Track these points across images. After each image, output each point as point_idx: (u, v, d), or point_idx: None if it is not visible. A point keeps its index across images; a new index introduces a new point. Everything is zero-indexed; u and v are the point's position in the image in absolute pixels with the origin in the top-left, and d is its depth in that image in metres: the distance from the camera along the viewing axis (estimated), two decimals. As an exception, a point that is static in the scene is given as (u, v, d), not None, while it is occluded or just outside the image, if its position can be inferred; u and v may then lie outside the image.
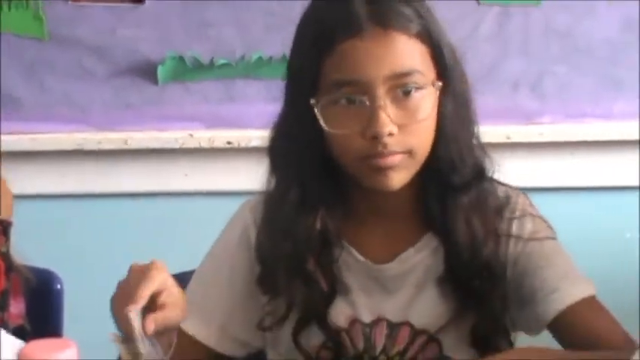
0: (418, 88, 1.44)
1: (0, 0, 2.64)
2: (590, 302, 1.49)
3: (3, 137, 2.65)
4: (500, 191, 1.57)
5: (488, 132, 2.54)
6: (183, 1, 2.65)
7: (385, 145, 1.42)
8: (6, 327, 1.64)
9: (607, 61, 2.72)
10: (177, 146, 2.71)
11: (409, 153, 1.45)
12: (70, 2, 2.66)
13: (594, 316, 1.48)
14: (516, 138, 2.72)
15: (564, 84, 2.73)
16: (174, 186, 2.75)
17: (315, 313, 1.55)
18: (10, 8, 2.65)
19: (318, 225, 1.53)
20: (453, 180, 1.50)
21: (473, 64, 2.58)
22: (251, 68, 2.66)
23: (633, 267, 2.72)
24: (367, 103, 1.42)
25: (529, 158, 2.74)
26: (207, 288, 1.61)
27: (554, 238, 1.56)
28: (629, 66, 2.72)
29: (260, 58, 2.63)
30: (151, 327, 1.30)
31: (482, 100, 2.61)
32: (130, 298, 1.32)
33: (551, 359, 1.40)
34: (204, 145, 2.70)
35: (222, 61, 2.67)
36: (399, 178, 1.46)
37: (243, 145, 2.62)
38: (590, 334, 1.45)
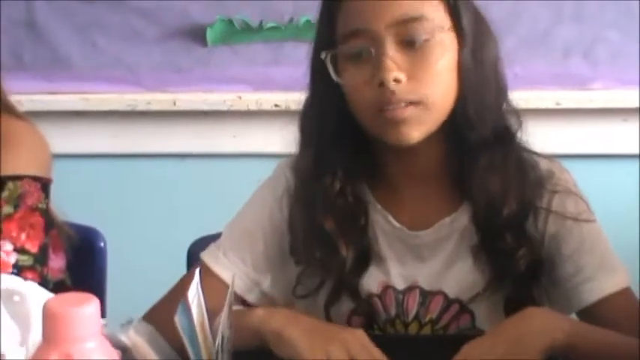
0: (427, 36, 1.43)
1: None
2: (622, 296, 1.50)
3: (54, 97, 2.67)
4: (544, 164, 1.56)
5: (538, 97, 2.60)
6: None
7: (393, 93, 1.42)
8: (46, 281, 1.66)
9: (661, 27, 2.68)
10: (225, 108, 2.71)
11: (421, 104, 1.44)
12: (120, -36, 2.67)
13: (623, 310, 1.48)
14: (567, 104, 2.70)
15: (617, 50, 2.70)
16: (223, 148, 2.76)
17: (347, 282, 1.54)
18: (62, -30, 2.66)
19: (336, 186, 1.52)
20: (470, 136, 1.49)
21: (525, 30, 2.63)
22: (299, 31, 2.65)
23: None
24: (372, 50, 1.43)
25: (580, 124, 2.72)
26: (244, 236, 1.60)
27: (594, 221, 1.54)
28: (685, 32, 2.67)
29: (308, 21, 2.62)
30: None
31: (533, 66, 2.64)
32: None
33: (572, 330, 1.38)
34: (252, 107, 2.71)
35: (270, 24, 2.67)
36: (412, 131, 1.45)
37: (290, 107, 2.61)
38: (616, 328, 1.43)
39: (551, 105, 2.67)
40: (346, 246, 1.52)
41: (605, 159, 2.74)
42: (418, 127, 1.45)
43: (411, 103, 1.43)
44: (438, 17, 1.45)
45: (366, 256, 1.54)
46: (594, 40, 2.69)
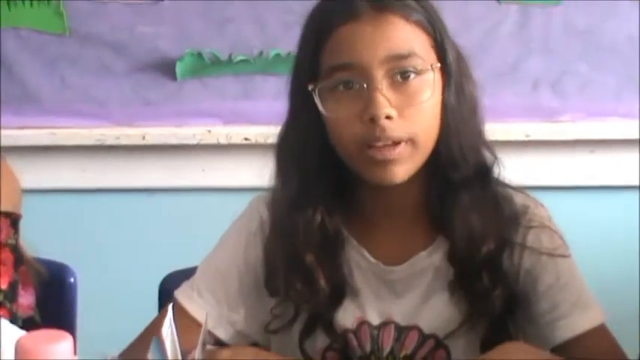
0: (417, 73, 1.43)
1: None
2: (597, 333, 1.50)
3: (23, 131, 2.66)
4: (519, 199, 1.55)
5: (508, 129, 2.61)
6: (202, -3, 2.67)
7: (383, 129, 1.41)
8: (15, 318, 1.64)
9: (629, 59, 2.71)
10: (194, 142, 2.71)
11: (411, 141, 1.43)
12: (90, -2, 2.67)
13: (598, 347, 1.48)
14: (536, 136, 2.71)
15: (585, 82, 2.72)
16: (192, 181, 2.76)
17: (322, 316, 1.53)
18: (32, 4, 2.66)
19: (317, 219, 1.51)
20: (453, 176, 1.49)
21: (494, 62, 2.66)
22: (269, 65, 2.66)
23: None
24: (365, 85, 1.41)
25: (549, 156, 2.73)
26: (218, 275, 1.58)
27: (569, 256, 1.54)
28: (652, 65, 2.70)
29: (278, 54, 2.63)
30: None
31: (503, 98, 2.66)
32: None
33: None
34: (222, 141, 2.71)
35: (240, 57, 2.67)
36: (399, 171, 1.44)
37: (260, 141, 2.62)
38: None
39: (520, 137, 2.68)
40: (324, 279, 1.51)
41: (574, 191, 2.75)
42: (405, 167, 1.44)
43: (400, 140, 1.42)
44: (426, 55, 1.45)
45: (341, 291, 1.53)
46: (562, 73, 2.71)
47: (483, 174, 1.52)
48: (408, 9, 1.45)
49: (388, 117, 1.41)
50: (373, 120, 1.41)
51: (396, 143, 1.42)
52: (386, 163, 1.43)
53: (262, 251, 1.57)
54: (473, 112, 1.51)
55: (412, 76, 1.43)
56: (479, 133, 1.52)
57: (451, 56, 1.48)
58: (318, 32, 1.46)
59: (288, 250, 1.52)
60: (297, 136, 1.51)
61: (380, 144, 1.42)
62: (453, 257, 1.51)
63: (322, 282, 1.51)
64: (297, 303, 1.53)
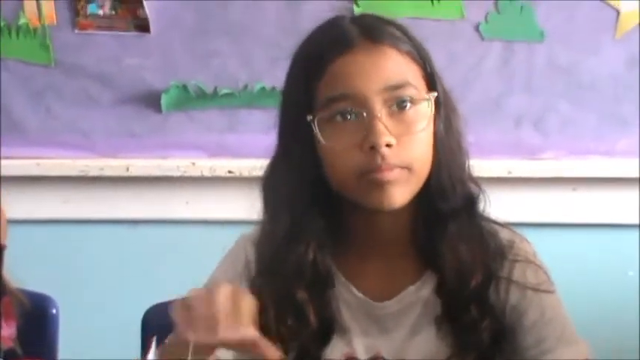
0: (413, 103, 1.44)
1: (9, 27, 2.66)
2: None
3: (7, 162, 2.66)
4: (504, 234, 1.55)
5: (490, 166, 2.62)
6: (188, 31, 2.67)
7: (384, 157, 1.41)
8: (-4, 349, 1.64)
9: (611, 98, 2.72)
10: (178, 174, 2.71)
11: (408, 168, 1.43)
12: (76, 31, 2.67)
13: None
14: (518, 173, 2.72)
15: (567, 120, 2.73)
16: (175, 214, 2.76)
17: (310, 353, 1.52)
18: (18, 35, 2.66)
19: (310, 256, 1.50)
20: (442, 206, 1.49)
21: (476, 99, 2.67)
22: (254, 98, 2.67)
23: (634, 305, 2.72)
24: (364, 114, 1.42)
25: (530, 193, 2.74)
26: None
27: (554, 292, 1.54)
28: (634, 103, 2.71)
29: (263, 88, 2.64)
30: None
31: (485, 135, 2.67)
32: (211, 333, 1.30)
33: None
34: (206, 173, 2.71)
35: (225, 91, 2.68)
36: (398, 194, 1.44)
37: (244, 174, 2.63)
38: None
39: (502, 174, 2.69)
40: (315, 316, 1.51)
41: (555, 228, 2.76)
42: (403, 191, 1.44)
43: (398, 167, 1.43)
44: (419, 85, 1.46)
45: (330, 328, 1.53)
46: (545, 110, 2.73)
47: (470, 205, 1.52)
48: (399, 40, 1.47)
49: (388, 145, 1.41)
50: (374, 148, 1.41)
51: (395, 167, 1.43)
52: (384, 185, 1.42)
53: (250, 290, 1.56)
54: (459, 144, 1.52)
55: (408, 105, 1.44)
56: (465, 165, 1.53)
57: (440, 87, 1.49)
58: (312, 65, 1.46)
59: (279, 286, 1.51)
60: (289, 170, 1.50)
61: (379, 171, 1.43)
62: (441, 290, 1.51)
63: (313, 319, 1.51)
64: (286, 340, 1.52)
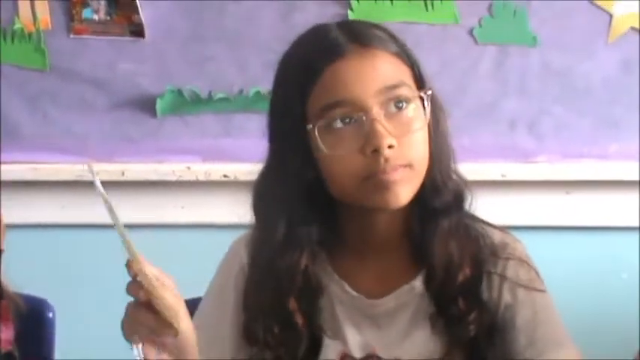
0: (408, 102, 1.46)
1: (4, 32, 2.67)
2: None
3: (4, 167, 2.67)
4: (497, 235, 1.57)
5: (484, 169, 2.63)
6: (183, 36, 2.68)
7: (387, 159, 1.42)
8: (-6, 353, 1.65)
9: (604, 101, 2.73)
10: (174, 179, 2.72)
11: (410, 167, 1.45)
12: (71, 35, 2.68)
13: None
14: (512, 176, 2.73)
15: (561, 124, 2.73)
16: (171, 218, 2.76)
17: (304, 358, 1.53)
18: (13, 40, 2.67)
19: (302, 264, 1.51)
20: (435, 202, 1.51)
21: (471, 102, 2.68)
22: (249, 103, 2.68)
23: (630, 309, 2.72)
24: (363, 118, 1.43)
25: (524, 196, 2.75)
26: (209, 330, 1.55)
27: (545, 292, 1.55)
28: (627, 107, 2.72)
29: (258, 92, 2.65)
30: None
31: (479, 138, 2.68)
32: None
33: None
34: (201, 178, 2.72)
35: (220, 95, 2.69)
36: (404, 192, 1.45)
37: (240, 178, 2.63)
38: None
39: (496, 177, 2.70)
40: (304, 325, 1.52)
41: (549, 231, 2.77)
42: (407, 189, 1.46)
43: (401, 167, 1.44)
44: (411, 84, 1.48)
45: (319, 338, 1.54)
46: (539, 114, 2.73)
47: (459, 201, 1.54)
48: (387, 42, 1.48)
49: (390, 146, 1.42)
50: (376, 151, 1.42)
51: (398, 167, 1.44)
52: (390, 185, 1.43)
53: (243, 295, 1.57)
54: (447, 142, 1.54)
55: (404, 105, 1.45)
56: (453, 165, 1.55)
57: (428, 87, 1.51)
58: (304, 75, 1.46)
59: (269, 294, 1.52)
60: (284, 178, 1.50)
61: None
62: (430, 283, 1.52)
63: (301, 328, 1.52)
64: (275, 349, 1.53)
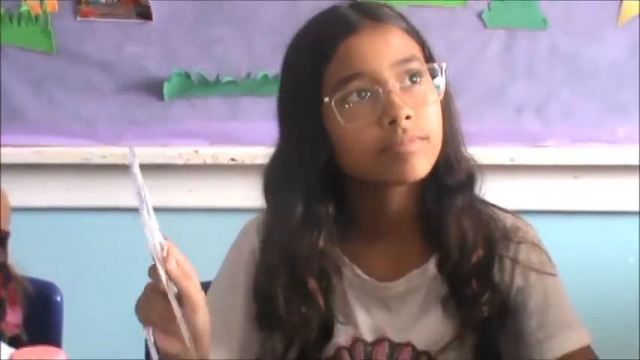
0: (421, 76, 1.46)
1: (10, 14, 2.66)
2: (583, 352, 1.52)
3: (9, 149, 2.67)
4: (509, 219, 1.57)
5: (492, 154, 2.62)
6: (190, 19, 2.67)
7: (405, 130, 1.42)
8: (2, 336, 1.65)
9: (612, 85, 2.72)
10: (181, 162, 2.72)
11: (427, 139, 1.45)
12: (78, 18, 2.67)
13: None
14: (520, 160, 2.73)
15: (569, 108, 2.73)
16: (178, 202, 2.76)
17: (316, 341, 1.53)
18: (19, 23, 2.66)
19: (320, 244, 1.51)
20: (449, 181, 1.51)
21: (479, 87, 2.67)
22: (256, 86, 2.67)
23: (635, 292, 2.72)
24: (380, 91, 1.43)
25: (532, 181, 2.75)
26: (220, 314, 1.51)
27: (556, 275, 1.56)
28: (635, 91, 2.71)
29: (265, 76, 2.65)
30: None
31: (487, 122, 2.67)
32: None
33: None
34: (209, 161, 2.72)
35: (227, 79, 2.69)
36: (421, 164, 1.45)
37: (247, 162, 2.63)
38: None
39: (505, 161, 2.70)
40: (324, 305, 1.52)
41: (557, 215, 2.77)
42: (424, 162, 1.45)
43: (418, 138, 1.44)
44: (422, 59, 1.49)
45: (332, 321, 1.54)
46: (547, 98, 2.73)
47: (471, 181, 1.54)
48: (397, 19, 1.50)
49: (408, 117, 1.42)
50: (394, 122, 1.42)
51: (415, 139, 1.44)
52: (407, 157, 1.43)
53: (253, 279, 1.57)
54: (458, 120, 1.54)
55: (418, 78, 1.46)
56: (463, 144, 1.55)
57: (438, 64, 1.51)
58: (317, 53, 1.46)
59: (288, 275, 1.52)
60: (298, 160, 1.50)
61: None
62: (444, 265, 1.53)
63: (323, 308, 1.52)
64: (293, 329, 1.53)
